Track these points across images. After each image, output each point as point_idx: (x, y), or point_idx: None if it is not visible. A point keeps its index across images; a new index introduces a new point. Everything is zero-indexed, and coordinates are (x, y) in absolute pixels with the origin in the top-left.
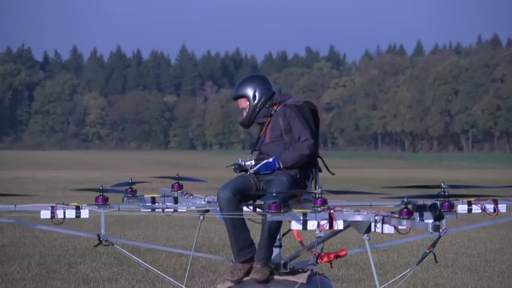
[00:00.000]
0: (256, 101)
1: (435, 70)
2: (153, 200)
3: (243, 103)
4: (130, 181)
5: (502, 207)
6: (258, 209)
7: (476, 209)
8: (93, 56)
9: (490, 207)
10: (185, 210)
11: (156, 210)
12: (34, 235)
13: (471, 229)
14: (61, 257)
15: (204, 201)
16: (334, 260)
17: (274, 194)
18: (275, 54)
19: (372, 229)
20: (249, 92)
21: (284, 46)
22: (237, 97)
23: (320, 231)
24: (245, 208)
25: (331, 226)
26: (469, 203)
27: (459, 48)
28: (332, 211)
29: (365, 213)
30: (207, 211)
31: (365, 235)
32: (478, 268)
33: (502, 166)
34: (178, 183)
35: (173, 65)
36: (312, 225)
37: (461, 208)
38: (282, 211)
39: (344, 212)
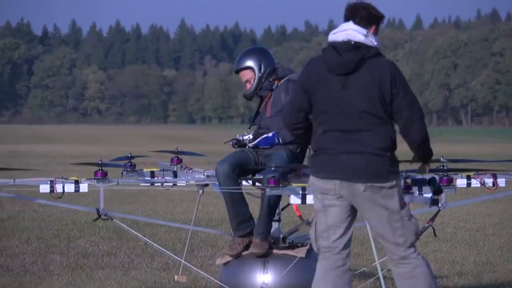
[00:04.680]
0: (261, 72)
1: (434, 44)
2: (152, 174)
3: (247, 75)
4: (129, 155)
5: (501, 181)
6: (257, 183)
7: (475, 183)
8: (92, 30)
9: (489, 181)
10: (184, 184)
11: (155, 184)
12: (33, 209)
13: (470, 203)
14: (60, 231)
15: (203, 175)
16: None
17: (273, 168)
18: (274, 28)
19: None
20: (254, 63)
21: (283, 20)
22: (241, 69)
23: None
24: (244, 182)
25: None
26: (468, 177)
27: (458, 22)
28: None
29: None
30: (206, 185)
31: None
32: (477, 242)
33: (501, 140)
34: (177, 157)
35: (172, 39)
36: (311, 199)
37: (460, 182)
38: (281, 185)
39: None
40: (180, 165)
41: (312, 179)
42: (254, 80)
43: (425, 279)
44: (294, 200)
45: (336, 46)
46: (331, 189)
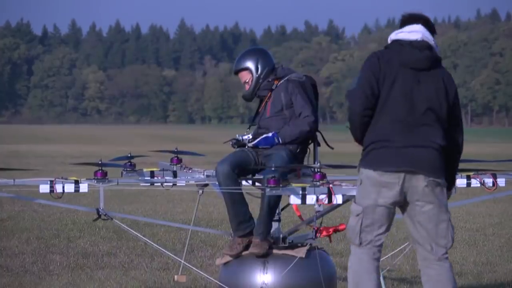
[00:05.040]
0: (259, 73)
1: None
2: (152, 174)
3: (246, 76)
4: (129, 155)
5: (501, 181)
6: (257, 183)
7: (475, 183)
8: (92, 30)
9: (489, 181)
10: (184, 184)
11: (155, 184)
12: (33, 209)
13: (470, 203)
14: (60, 231)
15: (203, 175)
16: (333, 234)
17: (273, 168)
18: (274, 28)
19: None
20: (252, 64)
21: (283, 20)
22: (239, 70)
23: (319, 205)
24: (244, 182)
25: (330, 200)
26: (468, 177)
27: (458, 22)
28: (331, 185)
29: None
30: (206, 185)
31: None
32: (477, 242)
33: (501, 140)
34: (177, 157)
35: (172, 39)
36: (311, 199)
37: (460, 182)
38: (281, 185)
39: (343, 187)
40: (180, 165)
41: (369, 172)
42: (252, 81)
43: (452, 285)
44: (294, 200)
45: (412, 43)
46: (395, 183)
